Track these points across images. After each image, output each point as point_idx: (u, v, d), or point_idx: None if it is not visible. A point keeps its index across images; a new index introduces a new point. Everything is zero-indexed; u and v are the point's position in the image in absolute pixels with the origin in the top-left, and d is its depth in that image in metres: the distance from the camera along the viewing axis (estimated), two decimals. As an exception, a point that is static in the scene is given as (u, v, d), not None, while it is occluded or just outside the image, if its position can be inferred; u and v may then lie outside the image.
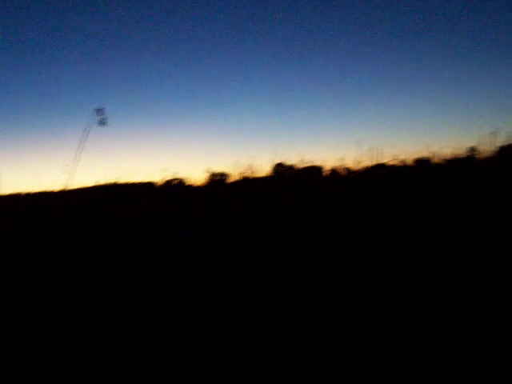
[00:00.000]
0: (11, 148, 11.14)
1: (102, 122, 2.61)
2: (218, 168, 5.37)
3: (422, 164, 5.52)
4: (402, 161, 5.40)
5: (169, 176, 4.76)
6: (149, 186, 5.08)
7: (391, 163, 5.38)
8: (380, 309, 1.75)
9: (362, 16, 14.85)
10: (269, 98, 16.66)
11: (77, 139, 2.50)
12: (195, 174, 6.38)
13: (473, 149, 5.41)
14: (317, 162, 5.00)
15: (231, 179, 5.07)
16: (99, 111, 2.60)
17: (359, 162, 5.12)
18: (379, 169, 5.32)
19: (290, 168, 5.08)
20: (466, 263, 2.10)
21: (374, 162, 5.19)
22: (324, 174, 5.19)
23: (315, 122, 15.84)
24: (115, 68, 15.25)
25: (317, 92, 16.73)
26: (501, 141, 4.94)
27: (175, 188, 4.91)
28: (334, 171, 5.23)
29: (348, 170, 5.24)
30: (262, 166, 4.84)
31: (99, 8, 13.89)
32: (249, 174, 4.99)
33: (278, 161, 4.90)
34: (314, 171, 5.18)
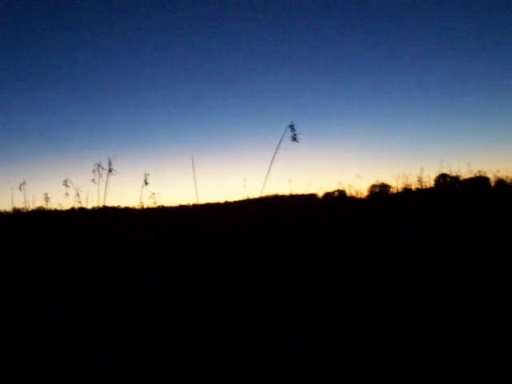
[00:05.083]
0: (207, 158, 12.22)
1: (294, 139, 2.82)
2: (384, 178, 5.45)
3: None
4: None
5: (333, 187, 4.95)
6: (311, 198, 5.33)
7: None
8: None
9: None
10: (436, 108, 16.10)
11: (262, 154, 2.78)
12: (360, 185, 6.56)
13: None
14: (486, 173, 4.84)
15: (393, 190, 5.11)
16: (291, 127, 2.82)
17: (533, 172, 4.84)
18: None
19: (455, 179, 4.97)
20: None
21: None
22: (491, 185, 4.99)
23: (486, 129, 14.88)
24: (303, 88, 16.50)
25: (484, 98, 15.66)
26: None
27: (336, 200, 5.09)
28: (501, 182, 5.00)
29: (518, 180, 4.98)
30: (428, 177, 4.81)
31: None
32: (411, 185, 5.00)
33: (444, 171, 4.84)
34: (479, 182, 5.01)
